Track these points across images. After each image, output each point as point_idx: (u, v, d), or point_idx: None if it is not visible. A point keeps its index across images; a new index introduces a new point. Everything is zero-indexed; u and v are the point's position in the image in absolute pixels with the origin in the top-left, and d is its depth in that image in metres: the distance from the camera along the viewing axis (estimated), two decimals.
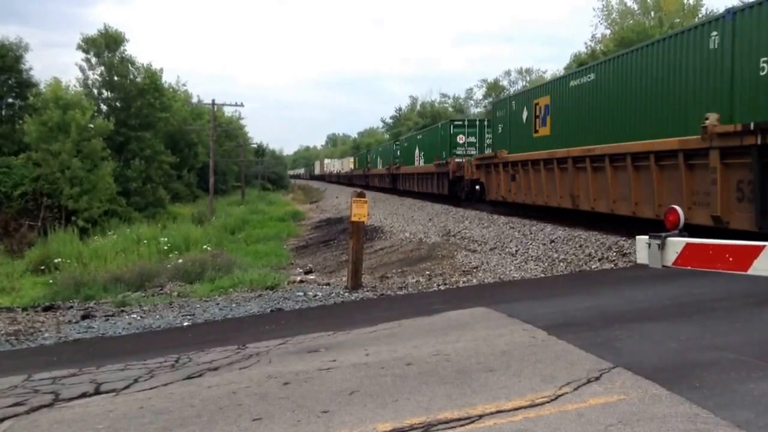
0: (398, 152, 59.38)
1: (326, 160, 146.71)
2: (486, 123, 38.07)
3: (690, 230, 13.71)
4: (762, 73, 13.12)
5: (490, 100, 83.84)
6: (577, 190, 20.63)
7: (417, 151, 49.94)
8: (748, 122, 12.86)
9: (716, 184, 13.90)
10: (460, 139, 39.38)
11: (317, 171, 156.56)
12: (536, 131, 24.83)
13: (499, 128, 30.02)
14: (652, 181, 16.41)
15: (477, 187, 32.89)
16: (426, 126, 67.82)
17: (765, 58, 13.02)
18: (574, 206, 20.99)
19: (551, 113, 23.49)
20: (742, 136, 12.97)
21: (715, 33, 14.46)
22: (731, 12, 14.00)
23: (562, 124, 22.44)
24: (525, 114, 26.11)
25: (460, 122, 41.68)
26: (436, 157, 41.34)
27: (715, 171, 13.96)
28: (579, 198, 20.56)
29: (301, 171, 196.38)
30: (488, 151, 32.95)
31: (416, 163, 49.90)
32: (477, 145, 38.75)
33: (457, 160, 37.58)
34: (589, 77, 20.76)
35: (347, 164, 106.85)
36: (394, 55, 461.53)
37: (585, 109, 20.73)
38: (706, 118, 13.84)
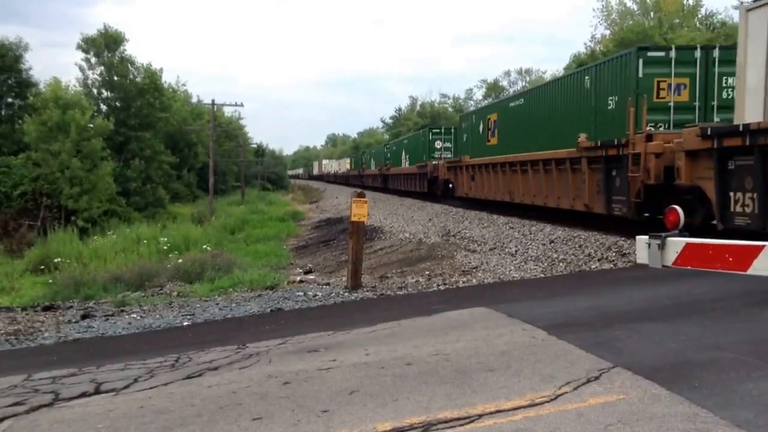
0: (388, 155, 66.10)
1: (324, 161, 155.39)
2: None
3: (571, 214, 19.62)
4: (608, 108, 19.01)
5: (490, 100, 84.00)
6: (513, 188, 26.37)
7: (403, 154, 56.41)
8: (598, 140, 18.71)
9: (585, 183, 19.58)
10: (438, 144, 45.87)
11: (315, 171, 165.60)
12: (488, 141, 31.23)
13: (464, 137, 36.65)
14: (553, 180, 22.03)
15: (450, 185, 38.63)
16: (424, 126, 68.85)
17: (611, 98, 18.88)
18: (510, 200, 26.88)
19: (498, 127, 29.81)
20: (596, 149, 18.65)
21: (587, 77, 20.52)
22: (595, 65, 20.58)
23: (505, 136, 28.74)
24: (481, 126, 32.65)
25: (438, 129, 48.51)
26: (418, 160, 47.92)
27: (584, 173, 19.53)
28: (514, 194, 26.38)
29: (300, 171, 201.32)
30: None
31: (403, 165, 56.16)
32: (452, 149, 44.29)
33: (434, 162, 43.38)
34: (521, 101, 27.38)
35: (344, 165, 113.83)
36: (394, 55, 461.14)
37: (518, 125, 26.89)
38: (579, 136, 19.40)
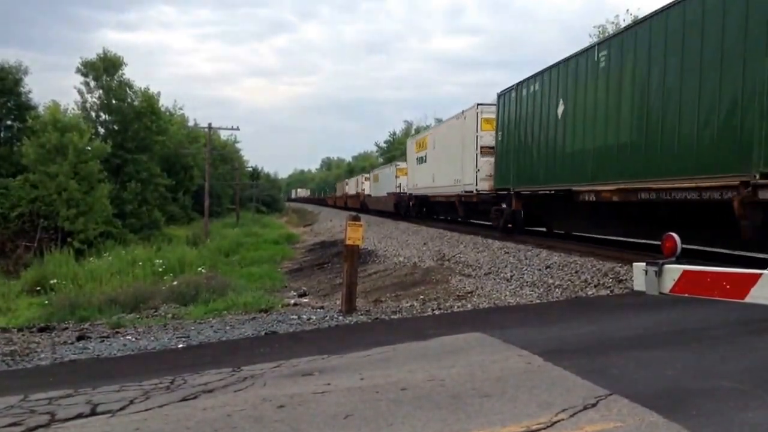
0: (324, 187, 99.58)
1: (298, 189, 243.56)
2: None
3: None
4: None
5: None
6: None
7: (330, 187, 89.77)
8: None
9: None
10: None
11: (293, 196, 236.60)
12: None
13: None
14: None
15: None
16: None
17: None
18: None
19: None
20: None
21: None
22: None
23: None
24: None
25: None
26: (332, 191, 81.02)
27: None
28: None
29: (282, 195, 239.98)
30: None
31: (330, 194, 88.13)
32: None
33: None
34: None
35: (307, 192, 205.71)
36: (391, 80, 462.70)
37: None
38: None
